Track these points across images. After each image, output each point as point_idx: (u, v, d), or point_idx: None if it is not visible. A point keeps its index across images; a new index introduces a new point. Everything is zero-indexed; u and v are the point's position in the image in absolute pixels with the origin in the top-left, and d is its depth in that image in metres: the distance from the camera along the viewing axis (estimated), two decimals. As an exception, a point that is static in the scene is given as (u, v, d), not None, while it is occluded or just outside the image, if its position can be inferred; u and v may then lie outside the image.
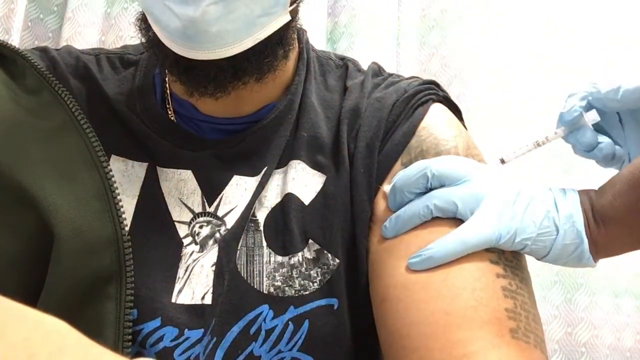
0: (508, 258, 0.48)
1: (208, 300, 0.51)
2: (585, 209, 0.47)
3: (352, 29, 1.01)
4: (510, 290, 0.45)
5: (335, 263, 0.53)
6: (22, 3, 0.92)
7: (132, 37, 0.92)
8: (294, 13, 0.53)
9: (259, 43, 0.50)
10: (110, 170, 0.50)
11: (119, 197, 0.49)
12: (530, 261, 0.50)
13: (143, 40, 0.54)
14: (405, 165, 0.54)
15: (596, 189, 0.49)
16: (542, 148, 0.53)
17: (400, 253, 0.49)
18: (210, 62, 0.49)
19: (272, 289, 0.51)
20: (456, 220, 0.48)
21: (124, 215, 0.49)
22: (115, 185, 0.49)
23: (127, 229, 0.48)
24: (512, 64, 0.97)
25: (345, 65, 0.65)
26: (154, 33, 0.50)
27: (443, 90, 0.62)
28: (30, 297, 0.45)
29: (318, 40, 0.98)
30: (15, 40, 0.90)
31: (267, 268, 0.52)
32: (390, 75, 0.64)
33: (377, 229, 0.53)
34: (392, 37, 1.02)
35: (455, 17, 1.01)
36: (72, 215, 0.46)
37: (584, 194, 0.48)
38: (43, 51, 0.61)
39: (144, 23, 0.53)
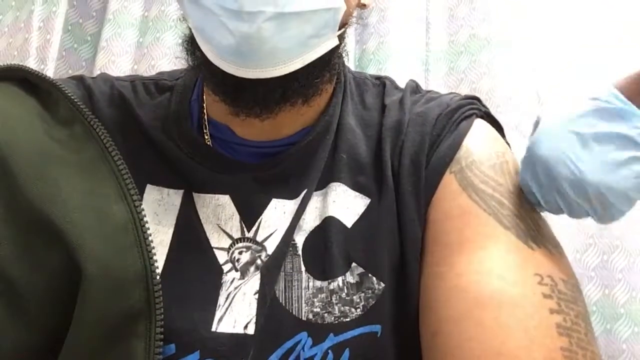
0: (562, 291, 0.45)
1: (251, 330, 0.49)
2: None
3: (380, 56, 1.01)
4: (565, 327, 0.43)
5: (380, 287, 0.51)
6: (57, 34, 0.94)
7: (163, 66, 0.94)
8: (341, 38, 0.53)
9: (308, 64, 0.50)
10: (141, 204, 0.49)
11: (149, 232, 0.48)
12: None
13: (189, 60, 0.54)
14: (455, 174, 0.53)
15: None
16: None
17: (452, 282, 0.47)
18: (259, 82, 0.49)
19: (310, 315, 0.49)
20: (518, 242, 0.47)
21: (154, 250, 0.47)
22: (145, 219, 0.48)
23: (157, 264, 0.47)
24: (541, 88, 0.96)
25: (382, 83, 0.65)
26: (201, 53, 0.50)
27: (484, 106, 0.61)
28: (58, 334, 0.44)
29: (346, 67, 0.98)
30: (50, 69, 0.92)
31: (306, 293, 0.50)
32: (429, 91, 0.64)
33: (429, 250, 0.51)
34: (421, 62, 1.02)
35: (483, 42, 1.01)
36: (100, 251, 0.45)
37: None
38: (79, 80, 0.62)
39: (190, 44, 0.53)
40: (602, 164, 0.44)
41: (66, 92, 0.52)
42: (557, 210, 0.50)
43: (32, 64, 0.90)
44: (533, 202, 0.51)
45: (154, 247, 0.48)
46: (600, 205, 0.46)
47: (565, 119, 0.47)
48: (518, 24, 1.00)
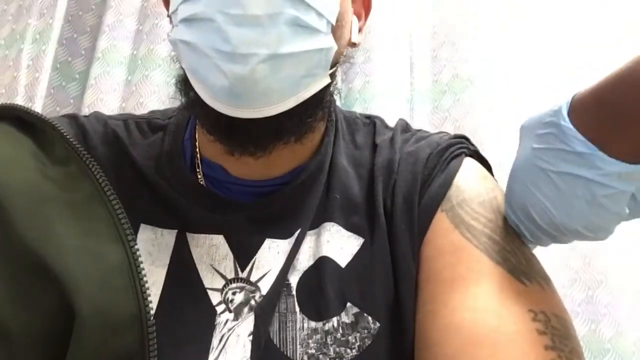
0: (555, 327, 0.45)
1: None
2: None
3: (366, 95, 1.04)
4: None
5: (376, 327, 0.50)
6: (46, 72, 0.95)
7: (152, 103, 0.94)
8: (332, 76, 0.54)
9: (301, 103, 0.50)
10: (136, 245, 0.48)
11: (143, 272, 0.47)
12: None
13: (183, 100, 0.55)
14: (447, 212, 0.54)
15: None
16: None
17: (446, 320, 0.47)
18: (253, 121, 0.49)
19: (305, 357, 0.49)
20: (511, 278, 0.48)
21: (148, 292, 0.47)
22: (140, 260, 0.47)
23: (151, 305, 0.46)
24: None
25: (372, 122, 0.66)
26: (194, 93, 0.51)
27: (473, 145, 0.62)
28: None
29: (332, 106, 1.00)
30: (38, 106, 0.92)
31: (301, 334, 0.50)
32: (419, 130, 0.65)
33: (423, 288, 0.51)
34: (406, 101, 1.04)
35: (466, 82, 1.04)
36: (94, 292, 0.44)
37: None
38: (72, 118, 0.62)
39: (183, 84, 0.54)
40: (573, 204, 0.45)
41: (62, 131, 0.52)
42: (546, 244, 0.51)
43: (20, 101, 0.90)
44: (522, 236, 0.52)
45: (148, 289, 0.47)
46: (583, 237, 0.47)
47: (530, 155, 0.47)
48: (499, 60, 1.03)
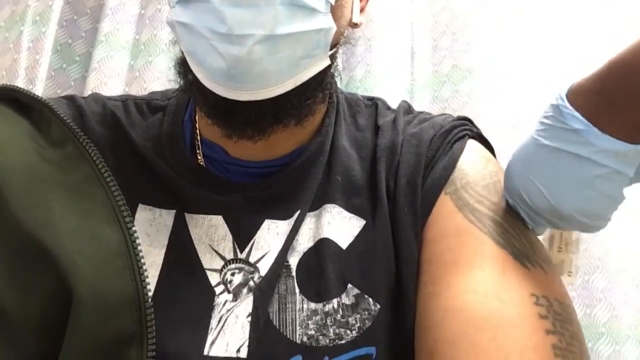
0: (557, 311, 0.46)
1: (243, 353, 0.48)
2: None
3: (367, 84, 1.04)
4: (561, 348, 0.43)
5: (376, 308, 0.51)
6: (46, 54, 0.93)
7: (155, 89, 0.94)
8: (332, 57, 0.53)
9: (300, 85, 0.49)
10: (133, 226, 0.48)
11: (141, 254, 0.47)
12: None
13: (181, 83, 0.54)
14: (450, 194, 0.53)
15: None
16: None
17: (448, 302, 0.47)
18: (251, 104, 0.48)
19: (305, 338, 0.49)
20: (514, 261, 0.48)
21: (146, 273, 0.47)
22: (137, 241, 0.47)
23: (149, 287, 0.46)
24: (525, 115, 1.00)
25: (374, 104, 0.65)
26: (193, 76, 0.50)
27: (476, 127, 0.62)
28: (48, 358, 0.43)
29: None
30: (39, 89, 0.91)
31: (300, 316, 0.50)
32: (421, 112, 0.65)
33: (425, 270, 0.51)
34: (406, 91, 1.05)
35: (465, 72, 1.05)
36: (91, 274, 0.44)
37: None
38: (70, 100, 0.61)
39: (182, 66, 0.53)
40: (566, 185, 0.45)
41: (58, 112, 0.51)
42: (544, 230, 0.51)
43: (21, 84, 0.89)
44: (529, 223, 0.52)
45: (146, 270, 0.47)
46: (579, 224, 0.47)
47: (529, 138, 0.48)
48: (499, 55, 1.05)
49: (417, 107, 1.05)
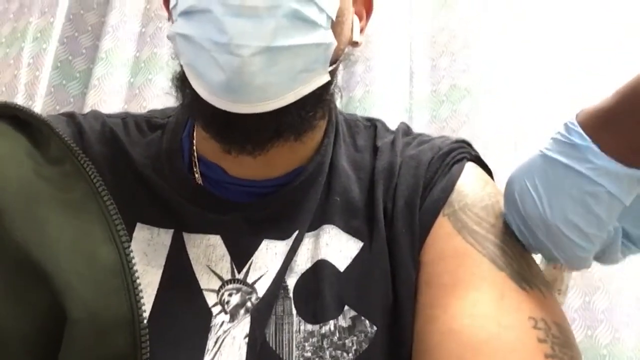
0: (555, 335, 0.45)
1: None
2: None
3: (366, 104, 1.05)
4: None
5: (373, 330, 0.50)
6: (46, 70, 0.94)
7: (155, 107, 0.94)
8: (332, 74, 0.53)
9: (299, 100, 0.49)
10: (130, 246, 0.47)
11: (137, 274, 0.46)
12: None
13: (180, 98, 0.54)
14: (449, 216, 0.53)
15: None
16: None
17: (446, 326, 0.46)
18: (250, 117, 0.48)
19: None
20: (512, 284, 0.48)
21: (141, 294, 0.46)
22: (133, 261, 0.46)
23: (144, 307, 0.46)
24: (523, 135, 1.00)
25: (373, 125, 0.65)
26: (191, 90, 0.50)
27: (474, 150, 0.62)
28: None
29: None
30: (38, 105, 0.91)
31: (297, 337, 0.49)
32: (420, 134, 0.65)
33: (423, 292, 0.51)
34: (405, 110, 1.06)
35: (464, 92, 1.06)
36: (86, 294, 0.44)
37: None
38: (70, 117, 0.61)
39: (181, 81, 0.53)
40: (560, 198, 0.46)
41: (57, 130, 0.51)
42: (535, 251, 0.51)
43: (20, 100, 0.90)
44: (523, 242, 0.52)
45: (141, 291, 0.46)
46: (563, 245, 0.47)
47: (538, 151, 0.49)
48: (497, 75, 1.06)
49: (415, 127, 1.06)
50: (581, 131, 0.45)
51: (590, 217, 0.45)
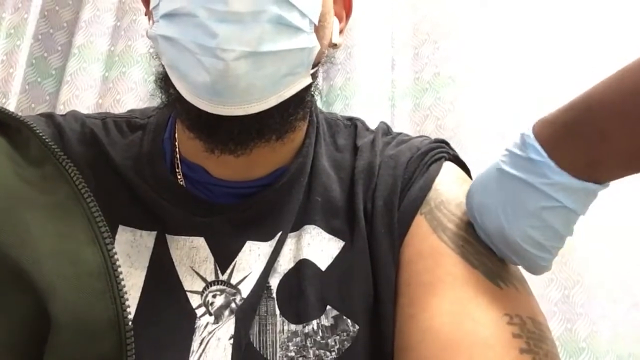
0: (530, 330, 0.46)
1: None
2: None
3: (347, 92, 1.03)
4: None
5: (355, 329, 0.51)
6: (20, 68, 0.93)
7: (129, 100, 0.93)
8: (313, 76, 0.54)
9: (282, 102, 0.50)
10: (114, 248, 0.47)
11: (121, 277, 0.46)
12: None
13: (163, 98, 0.54)
14: (425, 215, 0.54)
15: None
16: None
17: (425, 324, 0.47)
18: (234, 119, 0.49)
19: None
20: (487, 281, 0.48)
21: (126, 296, 0.45)
22: (117, 263, 0.46)
23: (129, 309, 0.45)
24: (505, 125, 0.98)
25: (354, 124, 0.66)
26: (175, 90, 0.50)
27: (452, 149, 0.63)
28: None
29: (313, 103, 0.99)
30: (12, 103, 0.90)
31: (281, 338, 0.50)
32: (399, 134, 0.65)
33: (402, 292, 0.51)
34: (387, 99, 1.04)
35: (447, 80, 1.04)
36: (71, 297, 0.43)
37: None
38: (49, 118, 0.60)
39: (163, 81, 0.53)
40: (517, 213, 0.46)
41: (37, 131, 0.50)
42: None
43: (-7, 98, 0.89)
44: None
45: (126, 293, 0.46)
46: (523, 256, 0.47)
47: (496, 161, 0.49)
48: (482, 63, 1.03)
49: (398, 115, 1.04)
50: (537, 146, 0.45)
51: (548, 230, 0.45)
